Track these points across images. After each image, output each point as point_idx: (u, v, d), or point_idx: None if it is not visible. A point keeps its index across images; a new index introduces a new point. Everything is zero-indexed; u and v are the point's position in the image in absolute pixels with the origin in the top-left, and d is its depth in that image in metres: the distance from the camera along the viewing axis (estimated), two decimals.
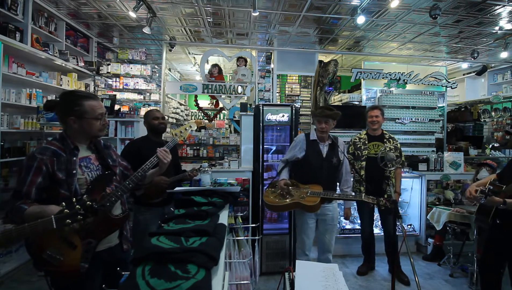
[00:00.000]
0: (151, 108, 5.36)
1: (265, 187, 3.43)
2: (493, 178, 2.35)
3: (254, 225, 2.87)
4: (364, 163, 3.17)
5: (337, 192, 2.60)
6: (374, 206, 3.25)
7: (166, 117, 5.66)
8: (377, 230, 3.70)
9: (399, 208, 3.28)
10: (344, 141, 4.35)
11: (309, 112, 5.68)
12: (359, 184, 3.23)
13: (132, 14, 3.74)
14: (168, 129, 3.91)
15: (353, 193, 2.77)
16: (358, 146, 3.25)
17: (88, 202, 1.21)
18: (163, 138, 2.67)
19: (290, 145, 3.41)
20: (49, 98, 4.08)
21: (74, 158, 1.47)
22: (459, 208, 3.42)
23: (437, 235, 3.67)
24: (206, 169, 2.79)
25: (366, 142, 3.23)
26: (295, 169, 2.66)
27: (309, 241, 2.57)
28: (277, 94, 5.74)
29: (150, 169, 1.68)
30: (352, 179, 3.30)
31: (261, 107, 3.36)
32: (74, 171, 1.44)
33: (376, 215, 3.69)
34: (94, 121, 1.51)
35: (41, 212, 1.29)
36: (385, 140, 3.24)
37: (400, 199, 3.72)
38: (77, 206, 1.18)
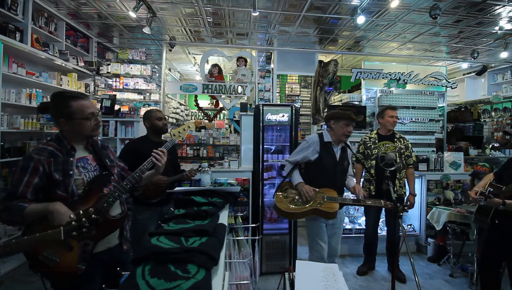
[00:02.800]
0: (151, 108, 5.36)
1: (266, 188, 3.46)
2: (492, 179, 2.36)
3: (254, 225, 2.86)
4: (373, 162, 3.16)
5: (350, 196, 2.50)
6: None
7: (166, 117, 5.66)
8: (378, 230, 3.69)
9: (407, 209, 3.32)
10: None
11: (309, 112, 5.68)
12: (369, 183, 3.22)
13: (132, 14, 3.74)
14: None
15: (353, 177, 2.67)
16: (368, 145, 3.25)
17: (93, 215, 1.24)
18: (162, 138, 2.67)
19: (289, 144, 3.43)
20: (49, 98, 4.07)
21: (71, 159, 1.45)
22: (459, 208, 3.42)
23: (439, 235, 3.67)
24: (206, 169, 2.79)
25: (376, 142, 3.23)
26: (305, 171, 2.50)
27: (326, 246, 2.43)
28: (277, 94, 5.75)
29: (147, 170, 1.65)
30: (362, 179, 3.32)
31: (261, 107, 3.36)
32: (71, 172, 1.42)
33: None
34: (85, 121, 1.47)
35: (44, 209, 1.29)
36: (395, 139, 3.24)
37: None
38: (83, 219, 1.20)
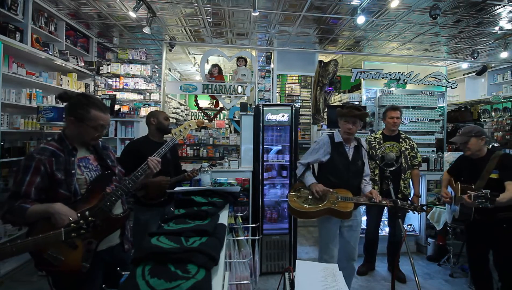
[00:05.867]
0: (153, 108, 5.37)
1: (266, 188, 3.46)
2: (450, 178, 2.48)
3: (254, 225, 2.86)
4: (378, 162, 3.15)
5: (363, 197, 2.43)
6: (385, 206, 3.26)
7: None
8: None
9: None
10: None
11: (309, 112, 5.68)
12: (374, 183, 3.18)
13: (132, 14, 3.74)
14: None
15: (370, 183, 2.56)
16: (373, 145, 3.23)
17: (90, 218, 1.26)
18: (163, 138, 2.67)
19: (289, 144, 3.43)
20: (49, 98, 4.08)
21: (73, 158, 1.47)
22: None
23: (440, 235, 3.67)
24: (206, 169, 2.79)
25: (381, 142, 3.21)
26: (318, 172, 2.49)
27: (337, 250, 2.39)
28: (277, 94, 5.75)
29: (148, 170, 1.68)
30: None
31: (261, 107, 3.35)
32: (73, 171, 1.44)
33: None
34: (91, 129, 1.49)
35: (45, 210, 1.30)
36: (401, 140, 3.22)
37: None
38: (81, 221, 1.24)
